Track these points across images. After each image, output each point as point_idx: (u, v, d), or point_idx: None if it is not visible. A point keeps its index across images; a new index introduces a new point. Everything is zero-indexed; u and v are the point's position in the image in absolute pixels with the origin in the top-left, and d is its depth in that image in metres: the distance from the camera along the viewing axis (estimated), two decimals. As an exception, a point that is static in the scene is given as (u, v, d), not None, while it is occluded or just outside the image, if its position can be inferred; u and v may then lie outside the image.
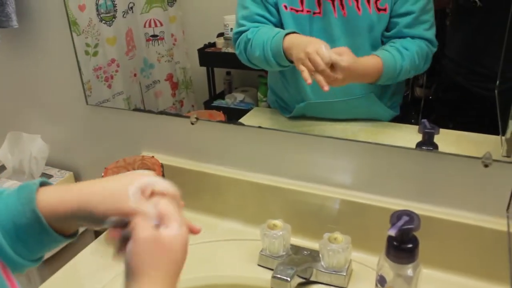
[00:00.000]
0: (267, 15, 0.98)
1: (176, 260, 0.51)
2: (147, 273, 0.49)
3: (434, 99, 1.04)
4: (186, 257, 0.53)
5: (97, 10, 1.21)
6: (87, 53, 1.22)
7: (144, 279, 0.48)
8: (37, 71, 1.30)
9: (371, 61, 0.92)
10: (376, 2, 0.91)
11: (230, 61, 1.19)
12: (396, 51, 0.92)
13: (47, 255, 1.22)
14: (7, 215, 0.52)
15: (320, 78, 0.85)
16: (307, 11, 0.94)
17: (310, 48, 0.85)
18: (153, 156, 1.10)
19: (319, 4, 0.93)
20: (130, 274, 0.49)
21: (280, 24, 0.98)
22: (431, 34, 0.93)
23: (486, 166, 0.81)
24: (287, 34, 0.92)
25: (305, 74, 0.86)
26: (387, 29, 0.94)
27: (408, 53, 0.92)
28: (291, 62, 0.92)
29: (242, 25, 1.00)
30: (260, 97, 1.20)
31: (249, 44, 0.98)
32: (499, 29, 0.84)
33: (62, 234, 0.54)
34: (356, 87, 0.99)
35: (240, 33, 1.01)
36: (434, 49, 0.94)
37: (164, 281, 0.49)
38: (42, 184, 0.55)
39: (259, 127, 1.03)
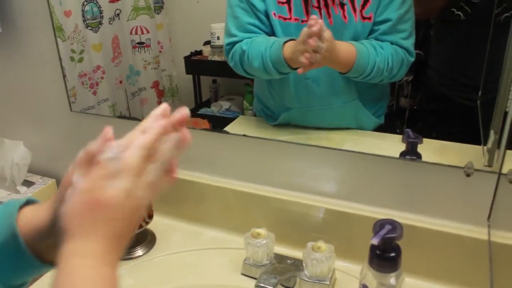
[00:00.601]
0: (258, 23, 0.98)
1: (116, 218, 0.44)
2: (77, 233, 0.43)
3: (418, 109, 1.04)
4: (134, 216, 0.46)
5: (83, 16, 1.20)
6: (72, 59, 1.21)
7: (75, 240, 0.43)
8: (21, 76, 1.28)
9: (346, 46, 0.91)
10: (361, 11, 0.92)
11: (216, 69, 1.21)
12: (371, 46, 0.92)
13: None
14: None
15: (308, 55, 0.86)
16: (295, 19, 0.95)
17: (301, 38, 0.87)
18: None
19: (307, 12, 0.94)
20: (61, 236, 0.44)
21: (272, 32, 0.98)
22: (408, 43, 0.93)
23: (468, 175, 0.82)
24: (285, 42, 0.91)
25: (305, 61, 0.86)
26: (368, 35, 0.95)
27: (383, 52, 0.92)
28: (293, 68, 0.91)
29: (234, 36, 0.99)
30: (246, 106, 1.20)
31: (245, 56, 0.97)
32: (482, 41, 0.85)
33: (40, 260, 0.50)
34: (341, 94, 1.00)
35: (232, 44, 1.00)
36: (411, 59, 0.94)
37: (101, 242, 0.43)
38: (29, 203, 0.52)
39: (244, 135, 1.03)
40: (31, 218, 0.49)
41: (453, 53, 0.98)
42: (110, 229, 0.43)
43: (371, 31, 0.94)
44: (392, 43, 0.93)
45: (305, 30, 0.85)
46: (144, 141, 0.47)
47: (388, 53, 0.92)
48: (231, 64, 1.02)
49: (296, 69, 0.91)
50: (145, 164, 0.47)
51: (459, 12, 0.89)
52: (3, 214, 0.49)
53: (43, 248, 0.50)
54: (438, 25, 1.00)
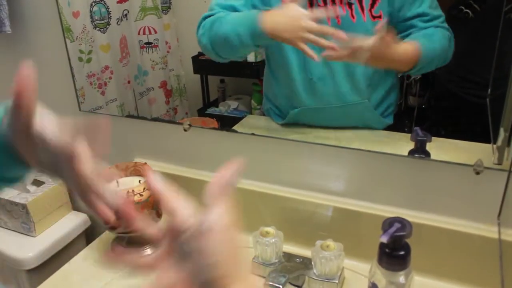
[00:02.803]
0: (242, 9, 0.97)
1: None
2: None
3: (427, 108, 1.04)
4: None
5: (91, 17, 1.21)
6: (80, 59, 1.22)
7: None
8: None
9: (407, 46, 0.90)
10: (370, 10, 0.92)
11: (224, 69, 1.20)
12: (425, 35, 0.92)
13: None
14: None
15: (327, 43, 0.85)
16: None
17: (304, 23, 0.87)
18: (145, 163, 1.10)
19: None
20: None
21: None
22: (446, 25, 0.92)
23: (477, 173, 0.82)
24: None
25: (309, 51, 0.86)
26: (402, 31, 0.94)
27: (435, 38, 0.92)
28: (270, 38, 0.90)
29: (212, 9, 0.99)
30: (254, 105, 1.20)
31: (217, 21, 0.96)
32: (490, 38, 0.85)
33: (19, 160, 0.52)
34: (350, 94, 1.00)
35: (205, 17, 0.99)
36: (453, 36, 0.92)
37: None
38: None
39: (252, 134, 1.04)
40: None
41: (461, 50, 0.96)
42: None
43: (409, 25, 0.93)
44: (436, 27, 0.92)
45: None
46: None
47: (440, 37, 0.92)
48: (198, 34, 1.00)
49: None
50: None
51: (467, 10, 0.89)
52: None
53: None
54: (447, 23, 0.98)
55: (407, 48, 0.90)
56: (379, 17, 0.92)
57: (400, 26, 0.93)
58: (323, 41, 0.87)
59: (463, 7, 0.89)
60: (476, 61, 0.95)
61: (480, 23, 0.90)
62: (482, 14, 0.89)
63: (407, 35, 0.93)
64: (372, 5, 0.91)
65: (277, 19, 0.90)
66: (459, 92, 0.98)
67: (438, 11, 0.92)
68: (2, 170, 0.54)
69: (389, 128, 1.04)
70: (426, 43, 0.91)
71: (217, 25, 0.96)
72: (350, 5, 0.92)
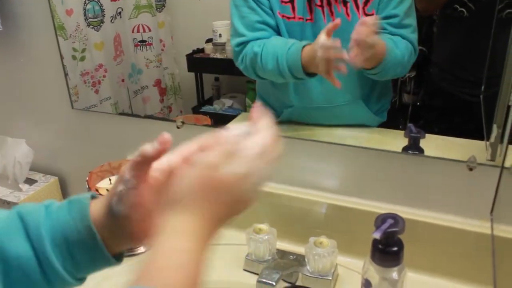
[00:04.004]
0: (268, 19, 0.96)
1: (225, 202, 0.45)
2: (183, 209, 0.43)
3: (421, 105, 1.05)
4: (240, 205, 0.47)
5: (85, 15, 1.21)
6: (74, 58, 1.22)
7: (178, 215, 0.43)
8: (22, 74, 1.29)
9: (380, 40, 0.90)
10: (364, 8, 0.93)
11: (218, 67, 1.22)
12: (391, 41, 0.92)
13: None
14: (60, 231, 0.50)
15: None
16: (299, 18, 0.95)
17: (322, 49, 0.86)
18: None
19: (311, 11, 0.94)
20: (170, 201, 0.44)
21: (278, 28, 0.97)
22: (414, 38, 0.94)
23: (470, 169, 0.83)
24: (304, 46, 0.90)
25: (334, 80, 0.87)
26: None
27: (400, 45, 0.93)
28: (308, 75, 0.91)
29: (243, 35, 0.98)
30: (248, 103, 1.21)
31: (257, 58, 0.96)
32: (484, 37, 0.86)
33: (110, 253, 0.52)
34: (342, 94, 1.00)
35: (242, 44, 0.98)
36: (415, 56, 0.95)
37: (202, 223, 0.44)
38: (92, 198, 0.53)
39: None
40: (96, 213, 0.51)
41: (455, 49, 0.98)
42: (215, 212, 0.45)
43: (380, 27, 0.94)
44: (402, 37, 0.93)
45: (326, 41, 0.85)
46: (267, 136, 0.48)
47: (403, 47, 0.93)
48: (241, 67, 1.00)
49: (311, 75, 0.91)
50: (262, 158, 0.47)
51: (462, 9, 0.89)
52: (75, 215, 0.50)
53: (110, 240, 0.51)
54: (441, 21, 1.00)
55: (379, 42, 0.90)
56: (372, 15, 0.93)
57: None
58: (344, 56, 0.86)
59: (458, 6, 0.90)
60: (469, 59, 0.95)
61: (474, 22, 0.90)
62: (476, 13, 0.89)
63: None
64: (365, 3, 0.92)
65: (308, 55, 0.89)
66: (453, 90, 0.99)
67: (411, 21, 0.94)
68: (85, 269, 0.53)
69: (383, 125, 1.04)
70: (392, 46, 0.91)
71: (259, 64, 0.96)
72: (345, 3, 0.92)
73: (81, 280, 0.53)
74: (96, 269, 0.53)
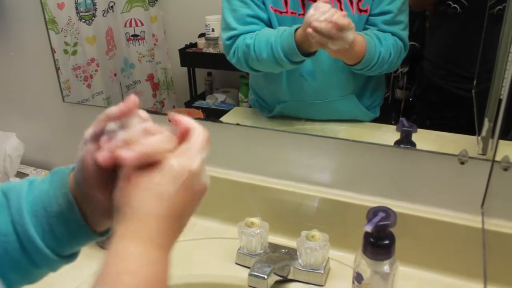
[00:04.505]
0: (258, 14, 0.96)
1: (182, 195, 0.44)
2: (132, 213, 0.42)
3: (414, 101, 1.06)
4: (198, 198, 0.46)
5: (77, 8, 1.20)
6: (66, 52, 1.21)
7: (129, 222, 0.42)
8: (12, 68, 1.28)
9: (359, 38, 0.90)
10: (358, 3, 0.93)
11: (211, 61, 1.21)
12: (376, 37, 0.92)
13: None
14: (40, 202, 0.48)
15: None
16: (292, 13, 0.95)
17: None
18: None
19: (303, 6, 0.94)
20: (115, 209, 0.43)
21: (270, 22, 0.97)
22: (405, 35, 0.94)
23: (462, 163, 0.83)
24: (296, 29, 0.89)
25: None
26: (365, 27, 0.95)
27: (386, 43, 0.93)
28: (306, 55, 0.90)
29: (234, 29, 0.97)
30: (241, 98, 1.21)
31: (250, 49, 0.95)
32: (476, 33, 0.87)
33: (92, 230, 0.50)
34: (335, 89, 1.00)
35: (233, 38, 0.97)
36: (405, 53, 0.95)
37: (156, 223, 0.42)
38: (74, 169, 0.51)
39: (237, 124, 1.04)
40: (72, 184, 0.49)
41: (448, 44, 0.99)
42: (171, 208, 0.43)
43: (371, 23, 0.94)
44: (393, 34, 0.93)
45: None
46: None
47: (390, 44, 0.93)
48: (233, 61, 0.99)
49: (309, 55, 0.89)
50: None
51: (455, 5, 0.90)
52: (55, 183, 0.49)
53: (90, 213, 0.50)
54: (434, 17, 1.01)
55: (358, 39, 0.89)
56: (365, 11, 0.93)
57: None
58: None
59: (451, 2, 0.90)
60: (462, 55, 0.96)
61: (467, 18, 0.91)
62: (469, 9, 0.90)
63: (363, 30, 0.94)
64: None
65: (301, 34, 0.88)
66: (445, 85, 0.99)
67: (403, 17, 0.94)
68: (67, 244, 0.50)
69: (376, 120, 1.04)
70: (374, 43, 0.91)
71: (252, 55, 0.95)
72: None
73: (67, 258, 0.51)
74: (78, 244, 0.51)
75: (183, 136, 0.48)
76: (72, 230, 0.49)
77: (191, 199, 0.45)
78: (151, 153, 0.43)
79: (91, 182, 0.47)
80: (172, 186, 0.43)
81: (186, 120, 0.49)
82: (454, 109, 0.99)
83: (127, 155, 0.42)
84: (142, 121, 0.47)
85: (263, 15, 0.96)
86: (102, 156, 0.44)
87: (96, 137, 0.46)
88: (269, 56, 0.92)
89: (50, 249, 0.48)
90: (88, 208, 0.49)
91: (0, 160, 1.23)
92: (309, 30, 0.82)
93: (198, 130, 0.48)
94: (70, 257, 0.52)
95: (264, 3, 0.96)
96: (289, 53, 0.90)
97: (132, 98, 0.47)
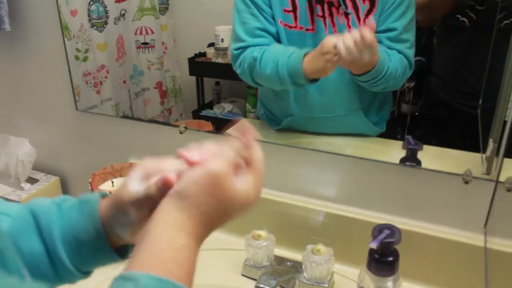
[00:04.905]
0: (268, 26, 0.98)
1: (227, 209, 0.48)
2: (190, 203, 0.46)
3: (420, 116, 1.07)
4: (237, 212, 0.49)
5: (89, 15, 1.22)
6: (77, 58, 1.24)
7: (178, 213, 0.46)
8: (28, 74, 1.31)
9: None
10: (365, 20, 0.95)
11: (219, 71, 1.23)
12: (385, 52, 0.94)
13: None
14: (70, 230, 0.53)
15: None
16: (300, 28, 0.97)
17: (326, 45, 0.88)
18: None
19: (312, 21, 0.96)
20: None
21: (278, 36, 0.99)
22: (410, 53, 0.95)
23: (466, 182, 0.85)
24: (306, 54, 0.92)
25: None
26: None
27: (394, 58, 0.94)
28: (309, 81, 0.93)
29: (243, 41, 1.00)
30: (248, 108, 1.22)
31: (256, 62, 0.97)
32: (484, 48, 0.87)
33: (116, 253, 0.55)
34: (342, 104, 1.02)
35: (241, 49, 1.00)
36: (411, 71, 0.96)
37: (199, 223, 0.46)
38: (102, 196, 0.56)
39: None
40: (103, 211, 0.54)
41: (455, 60, 1.00)
42: (210, 219, 0.47)
43: (377, 40, 0.95)
44: (398, 52, 0.95)
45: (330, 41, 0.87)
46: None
47: (397, 60, 0.95)
48: (238, 71, 1.02)
49: (313, 81, 0.92)
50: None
51: (463, 19, 0.91)
52: (86, 216, 0.54)
53: (114, 238, 0.54)
54: (442, 32, 1.02)
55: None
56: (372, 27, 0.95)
57: None
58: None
59: (459, 16, 0.91)
60: (470, 71, 0.96)
61: (475, 33, 0.91)
62: (477, 23, 0.90)
63: None
64: (367, 15, 0.94)
65: (312, 62, 0.91)
66: (453, 102, 1.00)
67: (409, 36, 0.95)
68: (90, 265, 0.56)
69: (382, 135, 1.06)
70: (384, 57, 0.92)
71: (257, 69, 0.98)
72: (347, 15, 0.94)
73: (87, 273, 0.57)
74: (101, 264, 0.56)
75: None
76: (99, 255, 0.54)
77: (219, 201, 0.47)
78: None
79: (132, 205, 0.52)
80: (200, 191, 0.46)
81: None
82: (461, 126, 0.99)
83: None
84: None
85: (272, 29, 0.99)
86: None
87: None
88: (273, 73, 0.95)
89: (76, 269, 0.54)
90: (116, 228, 0.53)
91: (12, 165, 1.26)
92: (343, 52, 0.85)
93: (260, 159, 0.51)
94: (89, 273, 0.57)
95: (273, 17, 0.98)
96: (294, 75, 0.93)
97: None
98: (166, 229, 0.45)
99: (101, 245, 0.54)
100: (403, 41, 0.95)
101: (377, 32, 0.94)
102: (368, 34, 0.84)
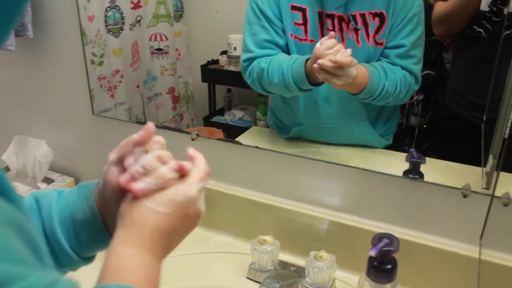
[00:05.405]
0: (276, 40, 1.04)
1: (182, 221, 0.52)
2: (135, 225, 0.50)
3: (428, 128, 1.11)
4: (194, 224, 0.55)
5: (105, 21, 1.28)
6: (92, 62, 1.29)
7: (130, 230, 0.50)
8: (48, 79, 1.37)
9: (362, 69, 0.96)
10: (374, 36, 1.00)
11: (231, 78, 1.27)
12: (383, 70, 0.99)
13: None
14: (68, 210, 0.57)
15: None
16: (311, 41, 1.02)
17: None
18: None
19: (322, 35, 1.01)
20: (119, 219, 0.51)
21: (287, 48, 1.05)
22: (417, 69, 1.00)
23: (465, 196, 0.90)
24: (308, 59, 0.97)
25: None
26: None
27: (393, 76, 0.99)
28: (313, 85, 0.98)
29: (251, 52, 1.06)
30: (258, 116, 1.27)
31: (264, 73, 1.03)
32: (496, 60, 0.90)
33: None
34: (350, 115, 1.07)
35: (249, 60, 1.06)
36: (417, 86, 1.01)
37: (155, 239, 0.50)
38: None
39: (256, 147, 1.12)
40: (97, 197, 0.59)
41: (471, 72, 1.03)
42: (164, 224, 0.51)
43: (385, 55, 1.01)
44: (403, 68, 1.00)
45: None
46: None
47: (397, 78, 0.99)
48: (248, 81, 1.08)
49: (315, 85, 0.98)
50: None
51: (480, 30, 0.93)
52: (82, 196, 0.58)
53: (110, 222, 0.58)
54: (459, 44, 1.05)
55: (361, 70, 0.95)
56: (381, 44, 1.00)
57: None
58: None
59: (476, 27, 0.94)
60: (483, 83, 0.98)
61: (491, 44, 0.94)
62: (493, 35, 0.92)
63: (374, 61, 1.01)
64: (376, 32, 0.99)
65: (310, 65, 0.95)
66: (466, 114, 1.03)
67: (417, 52, 1.00)
68: (89, 249, 0.59)
69: (390, 146, 1.10)
70: (377, 76, 0.97)
71: (265, 78, 1.04)
72: (356, 30, 0.99)
73: (88, 260, 0.60)
74: (98, 248, 0.60)
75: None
76: (95, 236, 0.58)
77: (185, 221, 0.53)
78: (158, 184, 0.52)
79: (111, 196, 0.56)
80: (169, 207, 0.51)
81: (195, 154, 0.58)
82: (470, 139, 1.02)
83: (136, 187, 0.51)
84: (160, 146, 0.56)
85: (280, 41, 1.05)
86: (124, 178, 0.53)
87: (120, 161, 0.56)
88: (280, 81, 1.01)
89: (74, 251, 0.57)
90: (108, 218, 0.58)
91: (30, 165, 1.32)
92: (315, 66, 0.90)
93: (201, 164, 0.56)
94: (89, 259, 0.61)
95: (283, 30, 1.04)
96: (298, 81, 0.99)
97: (150, 126, 0.55)
98: (114, 245, 0.50)
99: (97, 227, 0.57)
100: (410, 57, 1.00)
101: (386, 48, 1.00)
102: (344, 59, 0.88)
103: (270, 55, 1.05)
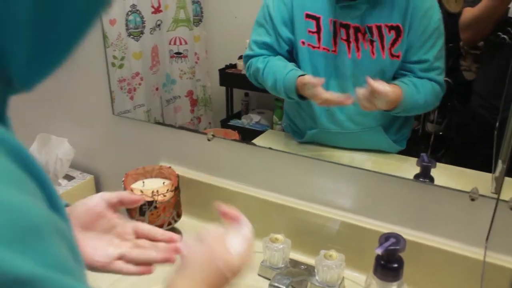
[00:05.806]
0: (273, 46, 1.11)
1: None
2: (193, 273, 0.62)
3: (443, 135, 1.14)
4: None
5: (127, 25, 1.33)
6: (113, 65, 1.35)
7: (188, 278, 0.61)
8: (71, 80, 1.43)
9: (394, 90, 1.02)
10: (390, 49, 1.02)
11: (249, 83, 1.27)
12: (413, 85, 1.03)
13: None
14: None
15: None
16: (324, 49, 1.06)
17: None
18: (170, 167, 1.23)
19: (335, 43, 1.05)
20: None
21: (289, 56, 1.11)
22: (441, 78, 1.04)
23: (472, 200, 0.93)
24: (300, 75, 1.05)
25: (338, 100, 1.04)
26: (402, 71, 1.06)
27: (424, 90, 1.03)
28: (301, 98, 1.07)
29: (251, 49, 1.15)
30: (275, 120, 1.31)
31: (259, 73, 1.12)
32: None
33: None
34: (364, 121, 1.11)
35: (248, 57, 1.15)
36: (443, 93, 1.05)
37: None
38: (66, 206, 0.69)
39: (270, 148, 1.16)
40: None
41: (496, 77, 1.04)
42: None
43: (409, 69, 1.05)
44: (430, 79, 1.04)
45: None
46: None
47: (427, 90, 1.04)
48: (247, 74, 1.18)
49: (304, 98, 1.06)
50: None
51: (504, 36, 0.96)
52: None
53: None
54: (486, 50, 1.06)
55: (393, 90, 1.01)
56: (398, 56, 1.03)
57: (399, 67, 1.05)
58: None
59: (500, 33, 0.96)
60: (506, 88, 0.98)
61: None
62: None
63: (400, 77, 1.05)
64: (392, 44, 1.02)
65: (307, 81, 1.05)
66: (490, 118, 1.04)
67: (440, 63, 1.04)
68: None
69: (405, 152, 1.14)
70: (410, 92, 1.02)
71: (260, 78, 1.14)
72: (371, 42, 1.02)
73: None
74: None
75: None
76: None
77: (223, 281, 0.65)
78: None
79: (82, 217, 0.68)
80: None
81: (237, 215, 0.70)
82: (491, 144, 1.00)
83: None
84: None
85: (280, 49, 1.12)
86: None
87: (112, 204, 0.70)
88: (273, 86, 1.10)
89: None
90: None
91: (51, 162, 1.39)
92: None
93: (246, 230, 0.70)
94: None
95: (290, 40, 1.10)
96: (288, 92, 1.08)
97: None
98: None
99: None
100: (435, 69, 1.04)
101: (409, 62, 1.04)
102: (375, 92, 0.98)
103: (266, 54, 1.13)
